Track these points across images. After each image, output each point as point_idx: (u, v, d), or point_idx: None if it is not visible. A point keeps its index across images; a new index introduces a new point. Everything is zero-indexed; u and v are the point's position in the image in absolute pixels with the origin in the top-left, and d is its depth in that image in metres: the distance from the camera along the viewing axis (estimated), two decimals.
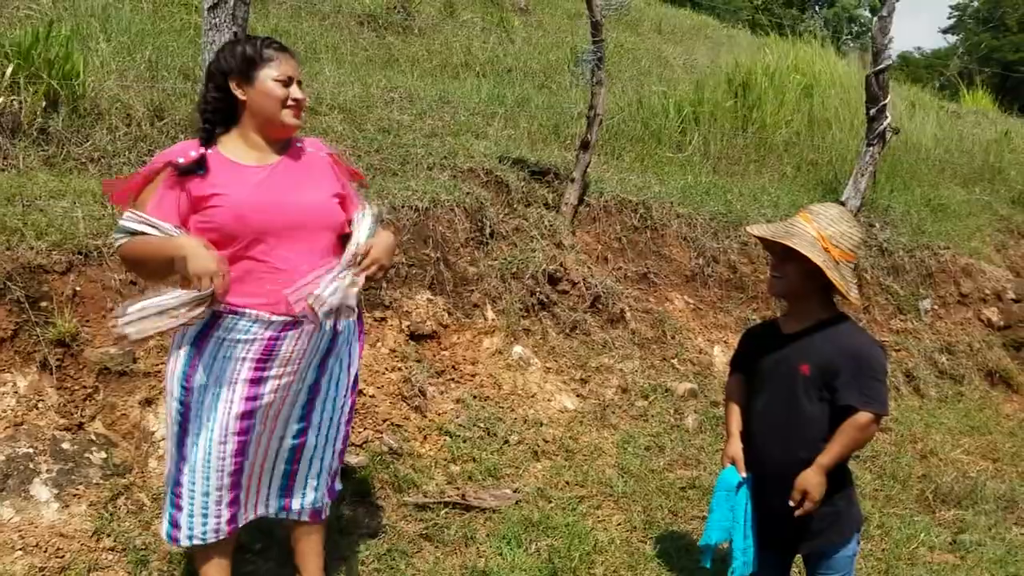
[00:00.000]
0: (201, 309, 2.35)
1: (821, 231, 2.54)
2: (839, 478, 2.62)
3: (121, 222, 2.43)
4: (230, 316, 2.42)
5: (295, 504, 2.74)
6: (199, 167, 2.41)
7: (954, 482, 4.62)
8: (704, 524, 2.86)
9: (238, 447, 2.51)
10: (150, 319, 2.32)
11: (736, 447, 2.75)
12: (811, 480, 2.52)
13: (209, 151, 2.45)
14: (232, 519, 2.61)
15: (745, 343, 2.90)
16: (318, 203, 2.56)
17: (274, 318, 2.44)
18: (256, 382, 2.47)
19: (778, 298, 2.72)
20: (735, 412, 2.83)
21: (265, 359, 2.46)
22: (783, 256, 2.56)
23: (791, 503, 2.55)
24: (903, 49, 37.84)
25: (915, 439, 5.26)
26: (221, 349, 2.44)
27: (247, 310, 2.42)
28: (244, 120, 2.51)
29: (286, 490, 2.71)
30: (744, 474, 2.70)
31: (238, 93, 2.47)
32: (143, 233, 2.39)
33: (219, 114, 2.50)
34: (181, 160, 2.40)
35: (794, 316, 2.68)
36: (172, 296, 2.33)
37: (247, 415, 2.49)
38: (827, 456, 2.52)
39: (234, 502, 2.59)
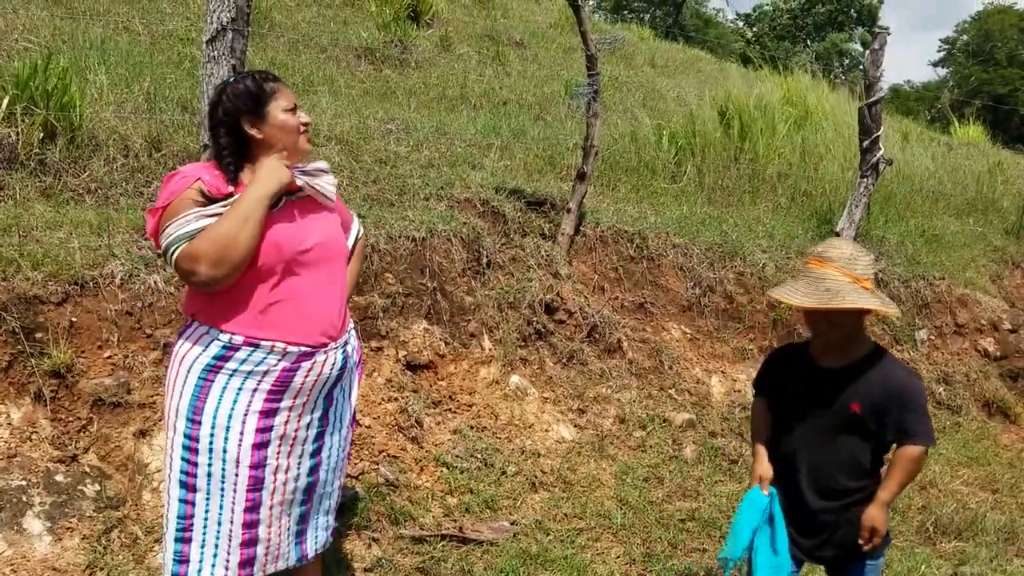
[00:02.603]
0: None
1: (851, 273, 2.52)
2: (874, 496, 2.63)
3: (177, 230, 2.30)
4: (245, 348, 2.38)
5: (309, 550, 2.68)
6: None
7: (954, 513, 4.60)
8: (727, 538, 2.82)
9: (251, 482, 2.45)
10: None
11: (766, 465, 2.73)
12: (878, 517, 2.56)
13: (236, 189, 2.42)
14: (246, 563, 2.51)
15: (772, 370, 2.85)
16: (334, 233, 2.60)
17: (291, 349, 2.41)
18: (268, 414, 2.43)
19: (831, 347, 2.68)
20: (762, 432, 2.81)
21: (278, 390, 2.43)
22: (832, 313, 2.53)
23: (860, 541, 2.56)
24: (894, 82, 38.38)
25: None
26: (233, 381, 2.39)
27: (263, 341, 2.39)
28: (259, 156, 2.49)
29: (301, 535, 2.64)
30: (766, 492, 2.68)
31: (253, 132, 2.45)
32: (203, 229, 2.30)
33: (236, 156, 2.46)
34: (204, 183, 2.36)
35: (835, 352, 2.64)
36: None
37: (260, 446, 2.44)
38: (888, 491, 2.56)
39: (248, 544, 2.50)
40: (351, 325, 2.71)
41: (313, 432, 2.57)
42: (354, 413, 2.79)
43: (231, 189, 2.39)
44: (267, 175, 2.38)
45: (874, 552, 2.64)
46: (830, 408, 2.60)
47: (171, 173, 2.43)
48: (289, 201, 2.49)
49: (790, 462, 2.69)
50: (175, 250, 2.30)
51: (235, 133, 2.46)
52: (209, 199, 2.35)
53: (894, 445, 2.59)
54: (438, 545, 3.63)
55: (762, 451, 2.77)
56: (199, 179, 2.36)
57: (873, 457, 2.60)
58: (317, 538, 2.70)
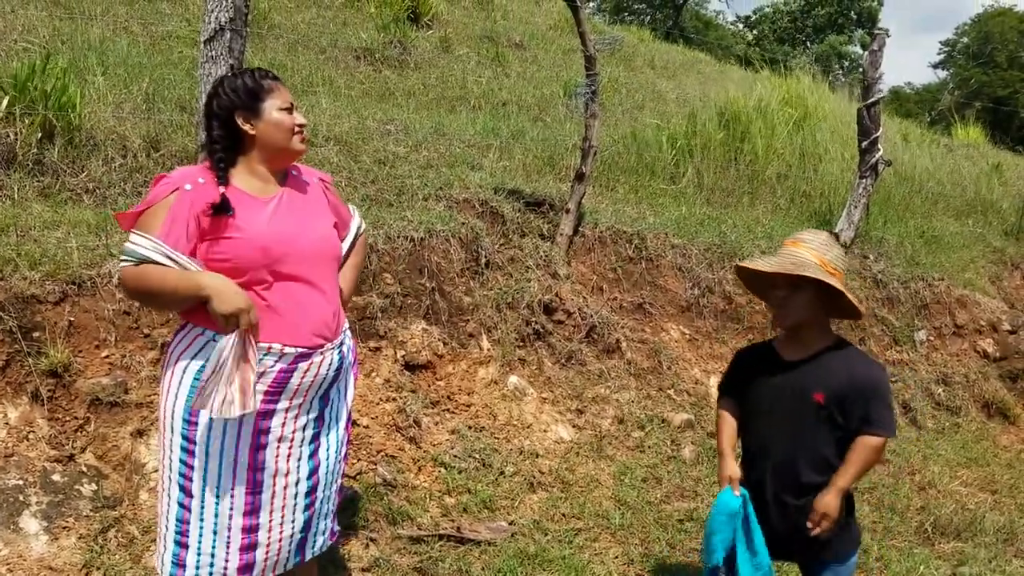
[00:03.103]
0: (251, 351, 2.30)
1: (820, 256, 2.57)
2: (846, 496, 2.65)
3: (132, 246, 2.31)
4: None
5: (308, 554, 2.67)
6: (227, 208, 2.34)
7: (953, 514, 4.59)
8: (703, 547, 2.83)
9: (249, 485, 2.43)
10: (220, 390, 2.25)
11: (734, 466, 2.73)
12: (832, 503, 2.56)
13: (226, 188, 2.39)
14: (245, 568, 2.49)
15: (738, 368, 2.88)
16: (326, 234, 2.57)
17: (287, 350, 2.40)
18: (265, 415, 2.42)
19: (787, 330, 2.71)
20: (729, 432, 2.81)
21: (275, 392, 2.42)
22: (792, 287, 2.57)
23: (809, 524, 2.57)
24: (894, 84, 38.44)
25: (913, 471, 5.23)
26: None
27: (259, 343, 2.37)
28: (251, 153, 2.47)
29: (303, 541, 2.63)
30: (738, 493, 2.68)
31: (247, 128, 2.44)
32: (155, 262, 2.29)
33: (228, 152, 2.45)
34: (182, 192, 2.33)
35: (797, 343, 2.67)
36: (219, 363, 2.26)
37: (257, 448, 2.42)
38: (844, 478, 2.57)
39: (247, 548, 2.48)
40: (346, 325, 2.71)
41: (309, 433, 2.55)
42: (350, 413, 2.78)
43: (221, 191, 2.36)
44: (227, 294, 2.27)
45: (841, 554, 2.65)
46: (794, 400, 2.62)
47: (159, 175, 2.41)
48: (274, 200, 2.48)
49: (757, 458, 2.71)
50: (122, 264, 2.34)
51: (229, 127, 2.45)
52: (216, 209, 2.33)
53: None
54: (436, 545, 3.63)
55: (728, 451, 2.76)
56: (178, 188, 2.33)
57: (839, 451, 2.59)
58: (316, 542, 2.68)
